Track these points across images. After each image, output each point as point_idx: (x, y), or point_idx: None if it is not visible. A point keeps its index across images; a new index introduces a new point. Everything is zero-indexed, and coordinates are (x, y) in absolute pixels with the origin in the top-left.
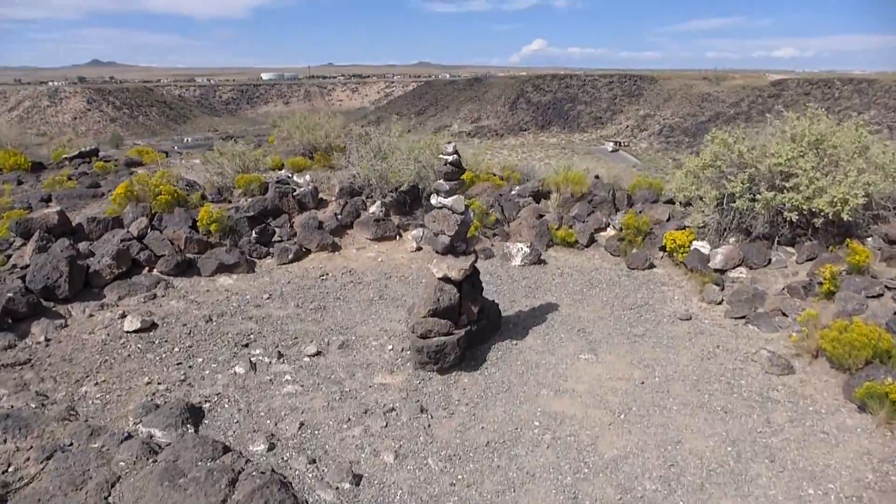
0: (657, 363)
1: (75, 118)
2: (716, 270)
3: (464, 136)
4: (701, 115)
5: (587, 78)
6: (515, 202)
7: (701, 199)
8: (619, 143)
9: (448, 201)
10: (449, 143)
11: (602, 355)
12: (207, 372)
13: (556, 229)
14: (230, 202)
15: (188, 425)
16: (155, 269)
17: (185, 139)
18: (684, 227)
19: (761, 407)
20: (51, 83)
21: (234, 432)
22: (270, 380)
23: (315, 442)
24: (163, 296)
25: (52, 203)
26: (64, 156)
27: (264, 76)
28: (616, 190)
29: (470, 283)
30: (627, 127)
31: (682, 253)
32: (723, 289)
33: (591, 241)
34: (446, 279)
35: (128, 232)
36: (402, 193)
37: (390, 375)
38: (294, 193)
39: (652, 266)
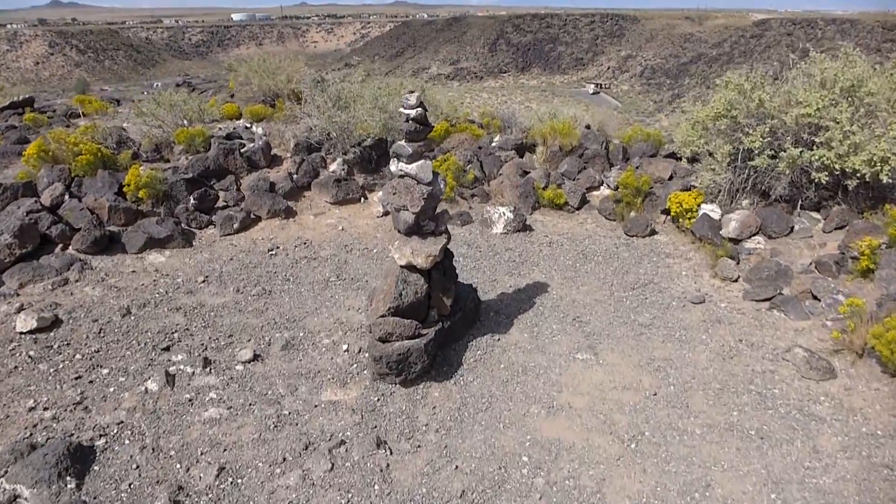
0: (670, 364)
1: (37, 63)
2: (729, 240)
3: (442, 79)
4: (683, 56)
5: (568, 17)
6: (496, 157)
7: (711, 154)
8: (600, 85)
9: (411, 168)
10: (411, 92)
11: (603, 354)
12: (112, 389)
13: (543, 189)
14: (168, 161)
15: (68, 477)
16: (70, 247)
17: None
18: (691, 188)
19: (804, 429)
20: (9, 26)
21: (129, 485)
22: (190, 399)
23: (236, 497)
24: (76, 281)
25: None
26: None
27: (235, 17)
28: (609, 142)
29: (441, 271)
30: (609, 68)
31: (688, 218)
32: (738, 262)
33: (583, 202)
34: (411, 267)
35: (36, 202)
36: (367, 149)
37: (342, 390)
38: (242, 150)
39: (653, 233)
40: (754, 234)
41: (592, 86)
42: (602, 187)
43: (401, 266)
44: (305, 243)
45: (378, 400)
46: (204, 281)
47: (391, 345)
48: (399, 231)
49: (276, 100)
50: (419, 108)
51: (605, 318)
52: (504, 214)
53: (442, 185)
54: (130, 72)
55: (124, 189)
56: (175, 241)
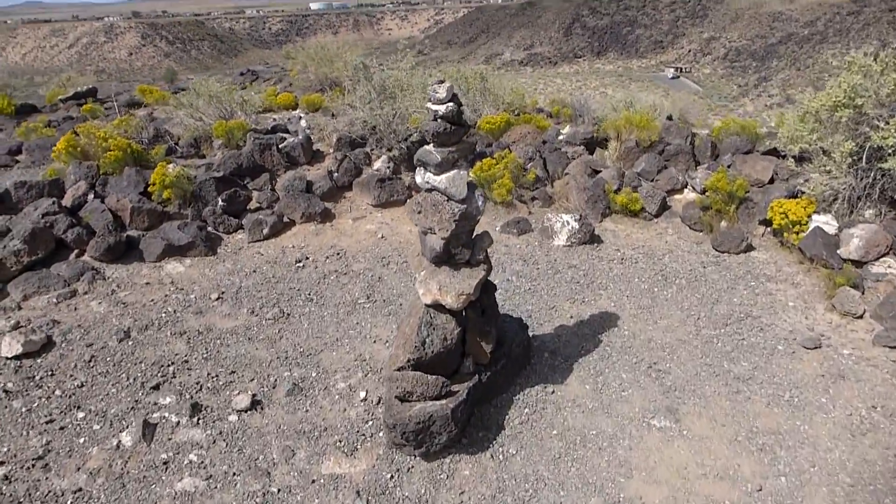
0: (779, 442)
1: (131, 54)
2: (850, 262)
3: (516, 65)
4: (771, 36)
5: None
6: (562, 153)
7: (825, 153)
8: (680, 68)
9: (440, 180)
10: (440, 82)
11: (687, 420)
12: (82, 440)
13: (615, 191)
14: (205, 157)
15: None
16: (86, 254)
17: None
18: (798, 194)
19: None
20: (106, 18)
21: None
22: (166, 461)
23: None
24: (84, 293)
25: (22, 155)
26: (59, 97)
27: (313, 6)
28: (695, 135)
29: (479, 309)
30: (690, 51)
31: (795, 232)
32: (863, 292)
33: (663, 208)
34: (439, 307)
35: (55, 202)
36: (416, 144)
37: (349, 459)
38: (281, 146)
39: (750, 248)
40: (884, 255)
41: (672, 70)
42: (686, 190)
43: (426, 305)
44: (338, 254)
45: (391, 478)
46: (218, 298)
47: (410, 407)
48: (426, 258)
49: (334, 89)
50: (451, 104)
51: (690, 365)
52: (568, 223)
53: (480, 203)
54: (215, 61)
55: (149, 189)
56: (197, 248)
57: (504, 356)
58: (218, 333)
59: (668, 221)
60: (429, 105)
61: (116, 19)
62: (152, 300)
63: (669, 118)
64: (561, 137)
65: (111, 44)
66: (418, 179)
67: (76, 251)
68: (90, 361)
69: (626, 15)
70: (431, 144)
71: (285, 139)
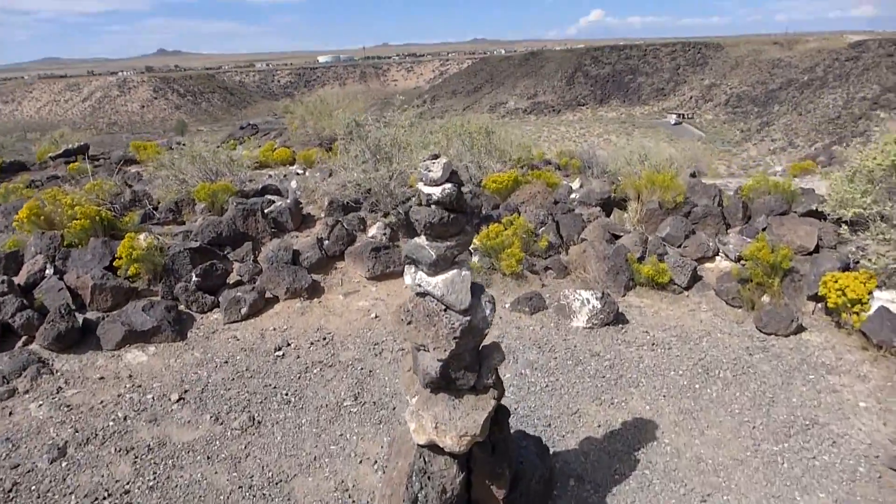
0: None
1: (143, 106)
2: None
3: (520, 113)
4: (771, 82)
5: (648, 48)
6: (577, 215)
7: (884, 219)
8: (683, 115)
9: (436, 284)
10: (434, 158)
11: None
12: None
13: (639, 260)
14: (185, 223)
15: None
16: (35, 341)
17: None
18: (853, 265)
19: None
20: (120, 73)
21: None
22: None
23: None
24: (25, 392)
25: None
26: (49, 154)
27: (321, 59)
28: (721, 193)
29: (489, 447)
30: (691, 98)
31: (856, 312)
32: None
33: (694, 279)
34: (435, 448)
35: (2, 282)
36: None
37: None
38: (267, 210)
39: (800, 329)
40: None
41: (674, 116)
42: (718, 258)
43: (419, 445)
44: (325, 338)
45: None
46: (179, 400)
47: None
48: (420, 383)
49: (333, 143)
50: (448, 185)
51: (754, 498)
52: (588, 302)
53: (488, 311)
54: (224, 113)
55: (115, 263)
56: (163, 333)
57: (520, 496)
58: (172, 450)
59: (700, 295)
60: (420, 186)
61: (130, 73)
62: (102, 402)
63: (693, 175)
64: (574, 196)
65: (124, 97)
66: (408, 280)
67: (24, 338)
68: (11, 491)
69: (627, 64)
70: (424, 237)
71: (273, 202)
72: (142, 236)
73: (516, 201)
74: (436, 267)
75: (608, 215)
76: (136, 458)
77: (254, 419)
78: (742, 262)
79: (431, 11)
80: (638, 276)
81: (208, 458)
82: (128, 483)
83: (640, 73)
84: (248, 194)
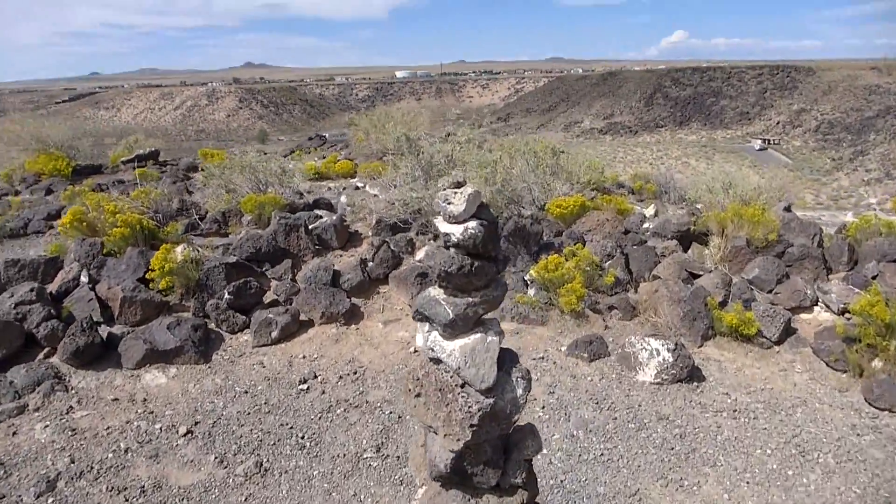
0: None
1: (228, 115)
2: None
3: (595, 133)
4: (867, 109)
5: (733, 70)
6: (649, 248)
7: None
8: (768, 140)
9: (452, 350)
10: (457, 186)
11: None
12: None
13: (721, 305)
14: (228, 235)
15: None
16: (56, 354)
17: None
18: None
19: None
20: (209, 84)
21: None
22: None
23: None
24: (35, 409)
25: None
26: (122, 159)
27: (398, 74)
28: (821, 234)
29: None
30: (778, 123)
31: None
32: None
33: (787, 332)
34: None
35: (32, 289)
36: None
37: None
38: (312, 226)
39: None
40: None
41: (759, 141)
42: (817, 308)
43: None
44: (356, 372)
45: None
46: (188, 434)
47: None
48: (430, 476)
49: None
50: (473, 224)
51: None
52: (657, 353)
53: (520, 391)
54: (304, 124)
55: (148, 275)
56: (186, 354)
57: None
58: (166, 495)
59: (794, 352)
60: (437, 223)
61: (218, 84)
62: (108, 428)
63: (788, 209)
64: (647, 226)
65: (211, 106)
66: (419, 342)
67: (47, 349)
68: None
69: (710, 86)
70: (440, 289)
71: (321, 217)
72: (179, 248)
73: (582, 229)
74: (453, 329)
75: (686, 250)
76: (127, 500)
77: (261, 465)
78: (847, 316)
79: (509, 29)
80: (718, 325)
81: None
82: None
83: (724, 96)
84: (296, 208)
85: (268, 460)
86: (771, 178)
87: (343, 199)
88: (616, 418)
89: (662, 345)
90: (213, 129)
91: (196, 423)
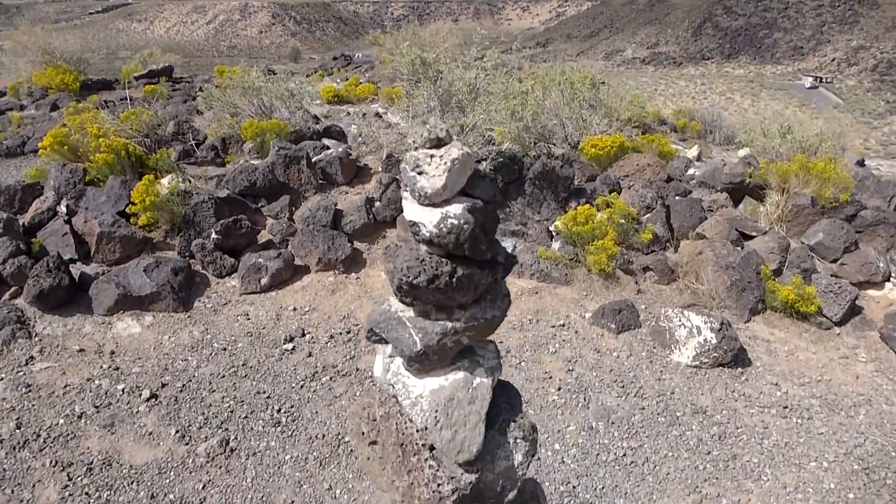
0: None
1: (261, 32)
2: None
3: (637, 63)
4: None
5: (791, 1)
6: (695, 202)
7: None
8: (820, 78)
9: (417, 398)
10: (436, 146)
11: None
12: None
13: (775, 275)
14: (226, 164)
15: None
16: (21, 295)
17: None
18: None
19: None
20: None
21: None
22: None
23: None
24: None
25: None
26: (133, 74)
27: None
28: None
29: None
30: (833, 60)
31: None
32: None
33: (852, 311)
34: None
35: (9, 218)
36: (493, 171)
37: None
38: (315, 158)
39: None
40: None
41: (810, 79)
42: (889, 284)
43: None
44: (350, 331)
45: None
46: (151, 398)
47: None
48: None
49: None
50: (457, 208)
51: None
52: (698, 332)
53: (519, 459)
54: (337, 42)
55: (128, 209)
56: (163, 301)
57: None
58: (115, 476)
59: (858, 336)
60: (405, 203)
61: None
62: (66, 387)
63: (861, 163)
64: (692, 173)
65: (244, 21)
66: (377, 371)
67: (14, 289)
68: None
69: (764, 16)
70: (402, 305)
71: (328, 148)
72: (166, 179)
73: (618, 173)
74: (421, 364)
75: (736, 205)
76: (70, 480)
77: (227, 444)
78: None
79: None
80: (771, 298)
81: (152, 496)
82: None
83: (778, 28)
84: (303, 136)
85: (235, 437)
86: (826, 121)
87: (353, 128)
88: (644, 408)
89: (705, 322)
90: (246, 46)
91: (163, 386)
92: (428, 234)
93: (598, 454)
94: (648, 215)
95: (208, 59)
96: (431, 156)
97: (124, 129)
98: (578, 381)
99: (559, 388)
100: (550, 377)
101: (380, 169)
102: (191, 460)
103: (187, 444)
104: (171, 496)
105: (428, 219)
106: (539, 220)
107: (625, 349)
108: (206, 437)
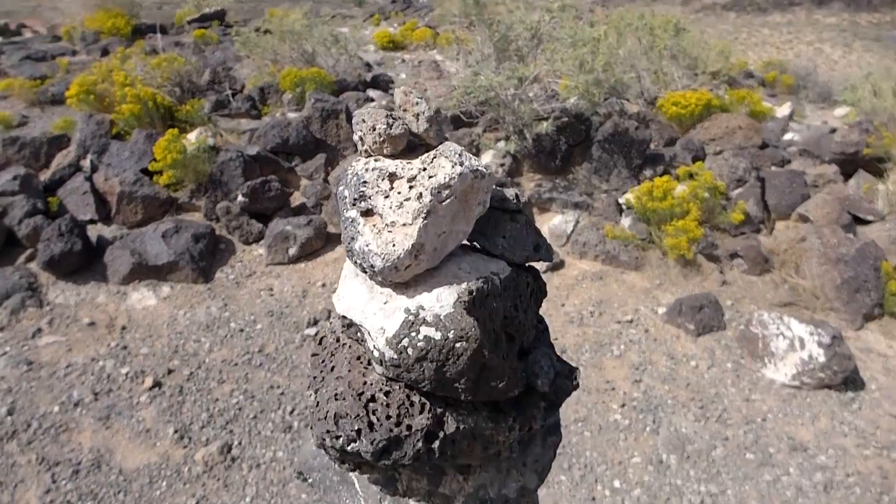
0: None
1: None
2: None
3: (717, 9)
4: None
5: None
6: (796, 174)
7: None
8: None
9: None
10: (387, 170)
11: None
12: None
13: None
14: (261, 118)
15: None
16: (36, 260)
17: None
18: None
19: None
20: None
21: None
22: None
23: None
24: (0, 329)
25: None
26: (187, 18)
27: None
28: None
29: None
30: None
31: None
32: None
33: None
34: None
35: (15, 178)
36: (555, 132)
37: None
38: (356, 112)
39: None
40: None
41: None
42: None
43: None
44: None
45: None
46: (154, 387)
47: None
48: None
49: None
50: (465, 286)
51: None
52: (801, 345)
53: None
54: None
55: (150, 166)
56: (182, 270)
57: None
58: (101, 482)
59: None
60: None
61: None
62: (69, 366)
63: None
64: (790, 138)
65: None
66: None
67: (29, 252)
68: None
69: None
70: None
71: (373, 100)
72: (194, 133)
73: (703, 137)
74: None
75: (846, 179)
76: (54, 482)
77: (228, 451)
78: None
79: None
80: (892, 303)
81: None
82: None
83: None
84: (346, 87)
85: (240, 443)
86: None
87: (402, 76)
88: (728, 439)
89: (811, 334)
90: None
91: (169, 372)
92: (379, 356)
93: (668, 499)
94: (739, 190)
95: (269, 1)
96: (390, 176)
97: (154, 78)
98: (647, 396)
99: (623, 405)
100: (613, 389)
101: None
102: (186, 469)
103: (185, 446)
104: None
105: (378, 323)
106: (607, 191)
107: (705, 357)
108: (207, 441)
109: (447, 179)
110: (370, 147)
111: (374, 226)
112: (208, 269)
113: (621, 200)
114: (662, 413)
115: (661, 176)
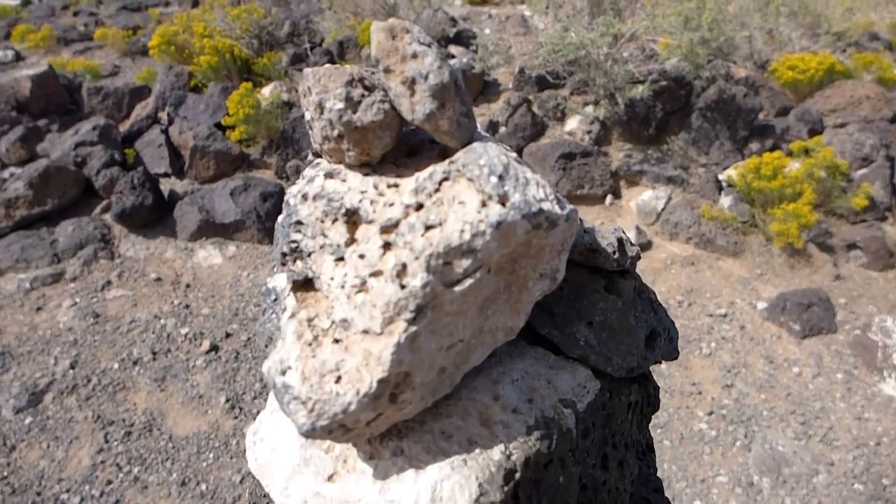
0: None
1: None
2: None
3: None
4: None
5: None
6: None
7: None
8: None
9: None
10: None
11: None
12: None
13: None
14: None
15: None
16: (110, 211)
17: None
18: None
19: None
20: None
21: None
22: None
23: None
24: (73, 279)
25: None
26: None
27: None
28: None
29: None
30: None
31: None
32: None
33: None
34: None
35: (95, 128)
36: (650, 98)
37: None
38: None
39: None
40: None
41: None
42: None
43: None
44: None
45: None
46: (211, 351)
47: None
48: None
49: None
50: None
51: None
52: None
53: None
54: None
55: (223, 121)
56: (248, 230)
57: None
58: (152, 446)
59: None
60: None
61: None
62: (133, 322)
63: None
64: None
65: None
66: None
67: (105, 202)
68: None
69: None
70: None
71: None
72: (268, 88)
73: (823, 107)
74: None
75: None
76: (106, 442)
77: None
78: None
79: None
80: None
81: (183, 483)
82: (66, 490)
83: None
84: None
85: None
86: None
87: (487, 31)
88: (833, 464)
89: None
90: None
91: (227, 336)
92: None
93: None
94: (864, 171)
95: None
96: (348, 218)
97: (234, 30)
98: (739, 404)
99: (710, 413)
100: (700, 393)
101: (510, 86)
102: (234, 442)
103: (236, 417)
104: (204, 487)
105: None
106: (706, 165)
107: (811, 364)
108: (258, 413)
109: (466, 236)
110: (320, 146)
111: (308, 322)
112: (271, 231)
113: (722, 177)
114: (756, 426)
115: (770, 151)
